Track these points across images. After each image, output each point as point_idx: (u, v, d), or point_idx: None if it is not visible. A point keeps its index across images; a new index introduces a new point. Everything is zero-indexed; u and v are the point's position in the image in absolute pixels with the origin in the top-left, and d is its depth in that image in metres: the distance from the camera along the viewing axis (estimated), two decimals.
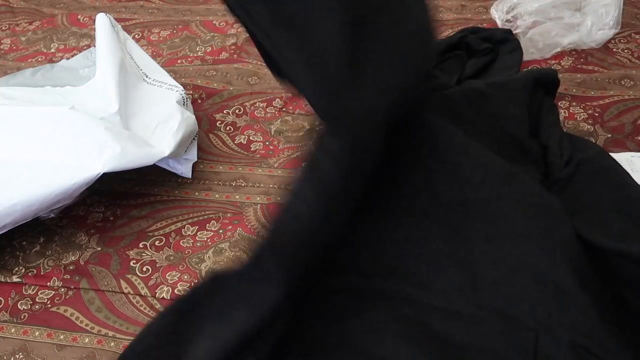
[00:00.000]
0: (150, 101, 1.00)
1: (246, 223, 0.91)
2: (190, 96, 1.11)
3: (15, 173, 0.85)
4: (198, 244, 0.88)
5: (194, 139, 0.97)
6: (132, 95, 0.99)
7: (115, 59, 1.01)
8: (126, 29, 1.20)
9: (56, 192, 0.81)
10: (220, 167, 1.00)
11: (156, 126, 0.94)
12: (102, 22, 1.07)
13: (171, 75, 1.07)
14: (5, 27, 1.44)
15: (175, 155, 0.89)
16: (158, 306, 0.81)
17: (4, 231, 0.82)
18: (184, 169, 0.97)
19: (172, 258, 0.87)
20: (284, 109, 1.10)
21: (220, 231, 0.90)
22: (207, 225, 0.91)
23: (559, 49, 1.14)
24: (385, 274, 0.71)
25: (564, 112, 1.01)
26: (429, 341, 0.64)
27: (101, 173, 0.83)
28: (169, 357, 0.60)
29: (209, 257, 0.87)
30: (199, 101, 1.13)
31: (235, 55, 1.25)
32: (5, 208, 0.80)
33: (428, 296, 0.68)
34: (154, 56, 1.24)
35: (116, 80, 0.98)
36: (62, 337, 0.78)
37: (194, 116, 0.98)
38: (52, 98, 1.03)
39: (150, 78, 1.06)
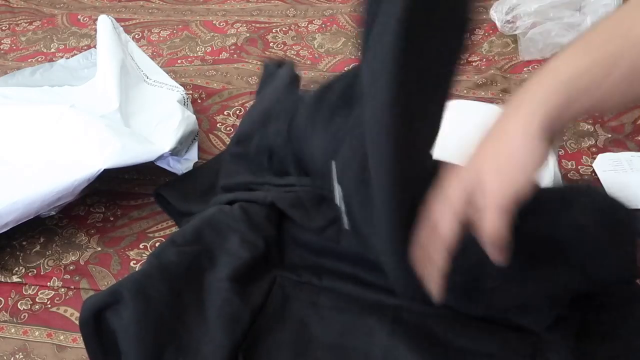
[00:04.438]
0: (150, 100, 1.00)
1: None
2: (190, 96, 1.11)
3: (16, 171, 0.85)
4: None
5: (194, 139, 0.97)
6: (132, 95, 0.99)
7: (116, 60, 1.01)
8: (126, 29, 1.20)
9: (57, 189, 0.81)
10: None
11: (157, 124, 0.94)
12: (104, 24, 1.07)
13: (171, 76, 1.07)
14: (5, 27, 1.44)
15: (176, 152, 0.89)
16: None
17: (5, 229, 0.82)
18: (185, 170, 0.97)
19: None
20: None
21: None
22: None
23: (559, 49, 1.14)
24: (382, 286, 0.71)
25: None
26: (428, 343, 0.64)
27: (102, 169, 0.82)
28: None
29: None
30: (199, 101, 1.13)
31: (235, 55, 1.25)
32: (6, 206, 0.79)
33: (427, 306, 0.68)
34: (153, 56, 1.24)
35: (117, 79, 0.98)
36: (62, 337, 0.77)
37: (194, 116, 0.98)
38: (50, 98, 1.03)
39: (151, 79, 1.06)
